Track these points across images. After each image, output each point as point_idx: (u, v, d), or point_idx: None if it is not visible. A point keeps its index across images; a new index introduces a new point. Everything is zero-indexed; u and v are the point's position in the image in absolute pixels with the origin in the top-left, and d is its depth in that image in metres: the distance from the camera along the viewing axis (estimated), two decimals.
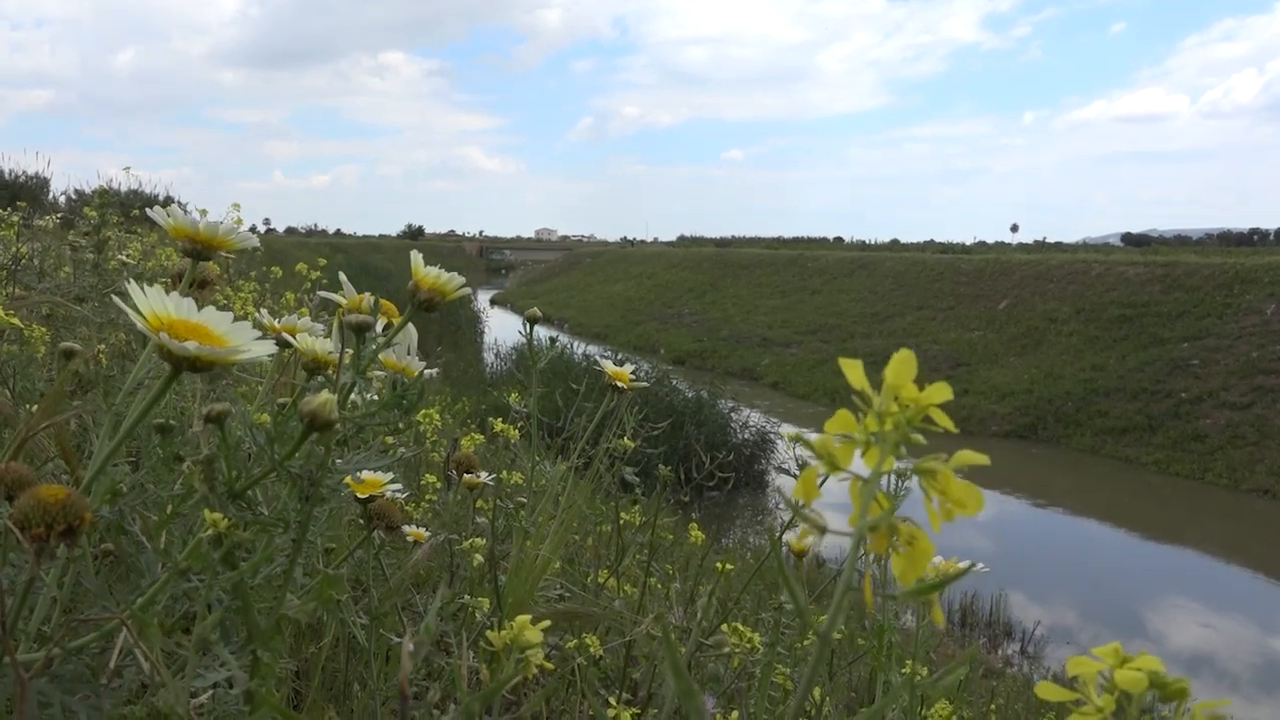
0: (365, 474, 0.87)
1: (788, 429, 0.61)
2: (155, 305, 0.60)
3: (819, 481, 0.37)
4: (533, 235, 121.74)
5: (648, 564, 1.46)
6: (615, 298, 33.11)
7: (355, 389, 0.70)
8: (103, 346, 1.57)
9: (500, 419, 1.52)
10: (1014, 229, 70.62)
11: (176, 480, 0.71)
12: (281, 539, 0.66)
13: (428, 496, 1.68)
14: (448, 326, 17.71)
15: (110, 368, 1.38)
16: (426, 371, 0.81)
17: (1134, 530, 11.56)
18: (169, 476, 0.71)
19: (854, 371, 0.35)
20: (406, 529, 1.02)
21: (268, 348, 0.61)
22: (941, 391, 0.34)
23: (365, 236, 69.27)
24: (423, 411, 1.78)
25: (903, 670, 0.99)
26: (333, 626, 1.10)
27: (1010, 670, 6.94)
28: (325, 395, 0.61)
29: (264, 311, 0.99)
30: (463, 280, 0.76)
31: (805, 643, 1.17)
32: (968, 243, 48.45)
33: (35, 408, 0.81)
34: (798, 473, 0.47)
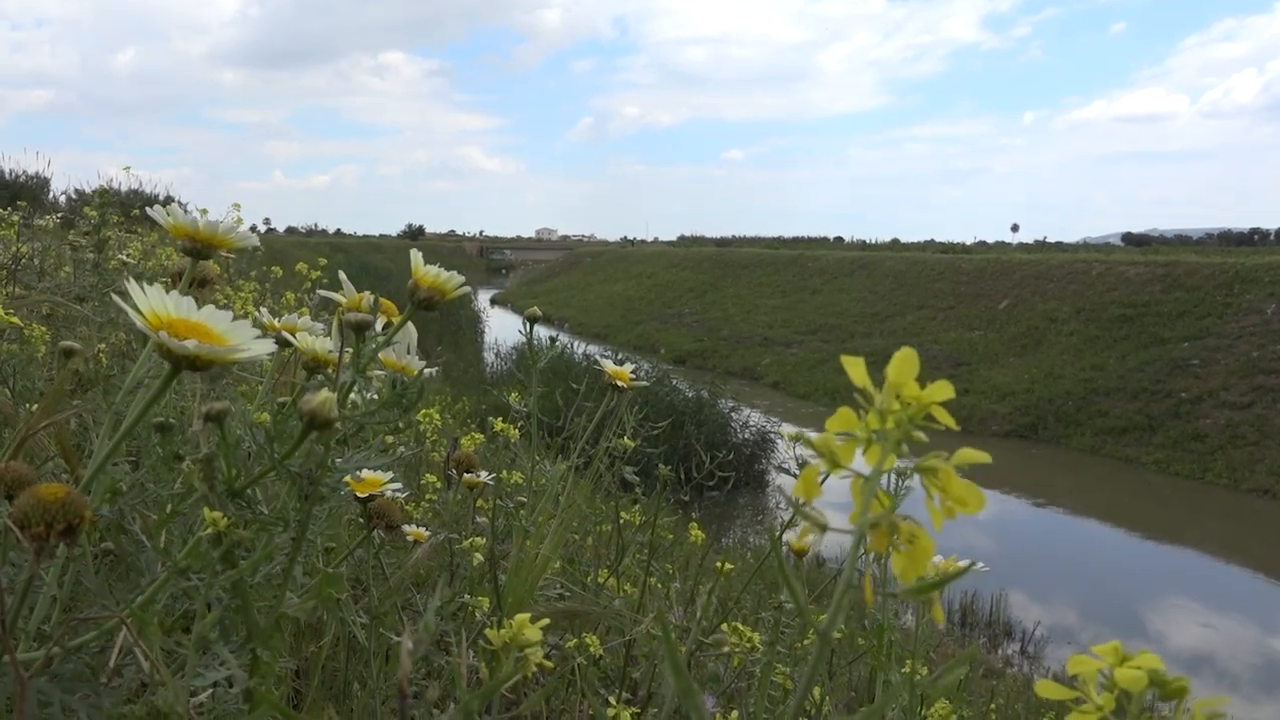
0: (365, 473, 0.87)
1: (788, 428, 0.61)
2: (155, 304, 0.60)
3: (820, 479, 0.37)
4: (533, 235, 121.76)
5: (648, 563, 1.46)
6: (615, 297, 33.12)
7: (355, 388, 0.70)
8: (103, 346, 1.57)
9: (500, 418, 1.52)
10: (1014, 229, 70.66)
11: (176, 479, 0.71)
12: (281, 538, 0.66)
13: (428, 496, 1.68)
14: (448, 326, 17.71)
15: (110, 367, 1.38)
16: (426, 370, 0.80)
17: (1134, 530, 11.56)
18: (169, 475, 0.71)
19: (856, 369, 0.35)
20: (406, 528, 1.02)
21: (267, 346, 0.61)
22: (943, 389, 0.34)
23: (365, 236, 69.26)
24: (423, 411, 1.78)
25: (902, 669, 0.99)
26: (332, 625, 1.10)
27: (1010, 670, 6.94)
28: (325, 394, 0.61)
29: (264, 311, 0.99)
30: (462, 279, 0.76)
31: (805, 642, 1.17)
32: (968, 242, 48.44)
33: (35, 407, 0.81)
34: (798, 472, 0.47)
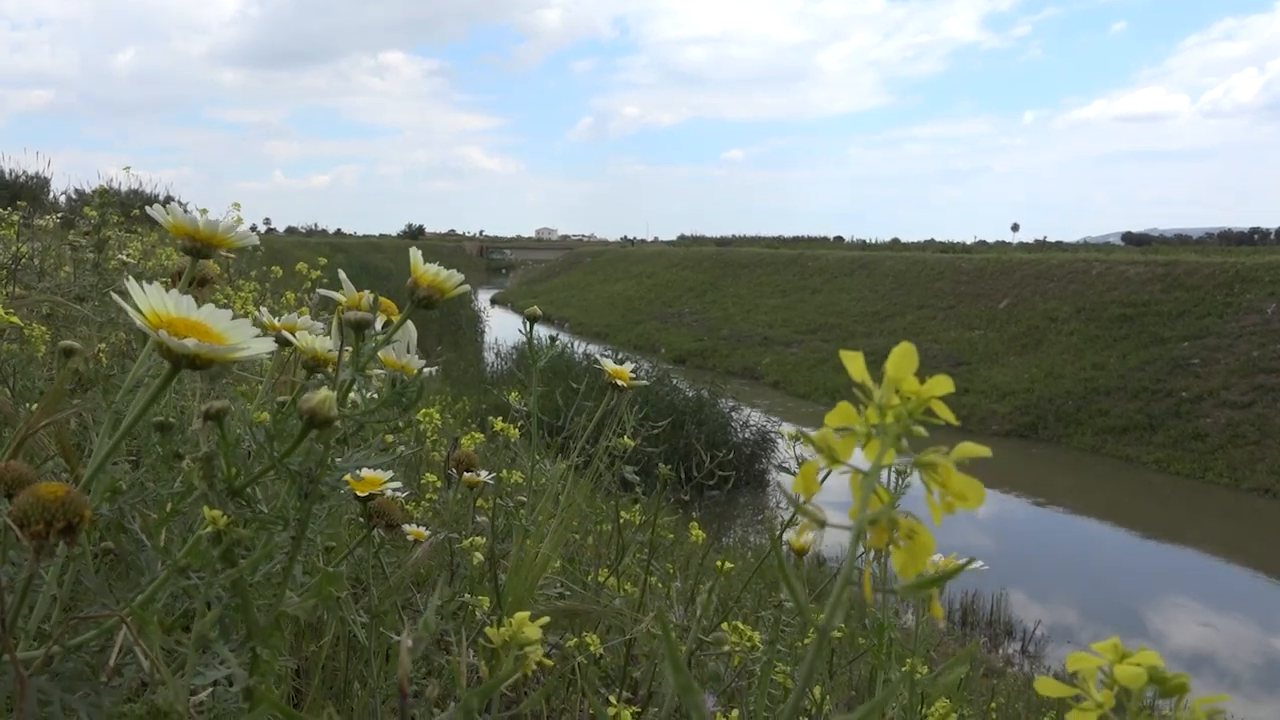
0: (365, 472, 0.87)
1: (788, 428, 0.61)
2: (155, 303, 0.60)
3: (819, 476, 0.36)
4: (533, 235, 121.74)
5: (648, 562, 1.46)
6: (615, 297, 33.11)
7: (355, 386, 0.70)
8: (103, 345, 1.57)
9: (500, 418, 1.52)
10: (1014, 228, 70.65)
11: (176, 478, 0.71)
12: (281, 536, 0.66)
13: (428, 495, 1.68)
14: (448, 326, 17.72)
15: (110, 366, 1.38)
16: (426, 369, 0.80)
17: (1134, 529, 11.56)
18: (168, 474, 0.71)
19: (855, 363, 0.34)
20: (406, 527, 1.02)
21: (267, 345, 0.61)
22: (943, 384, 0.34)
23: (365, 236, 69.23)
24: (423, 410, 1.78)
25: (903, 668, 0.99)
26: (333, 624, 1.10)
27: (1011, 669, 6.94)
28: (325, 392, 0.61)
29: (264, 310, 0.99)
30: (462, 277, 0.76)
31: (806, 641, 1.17)
32: (968, 242, 48.39)
33: (35, 406, 0.81)
34: (798, 471, 0.47)
